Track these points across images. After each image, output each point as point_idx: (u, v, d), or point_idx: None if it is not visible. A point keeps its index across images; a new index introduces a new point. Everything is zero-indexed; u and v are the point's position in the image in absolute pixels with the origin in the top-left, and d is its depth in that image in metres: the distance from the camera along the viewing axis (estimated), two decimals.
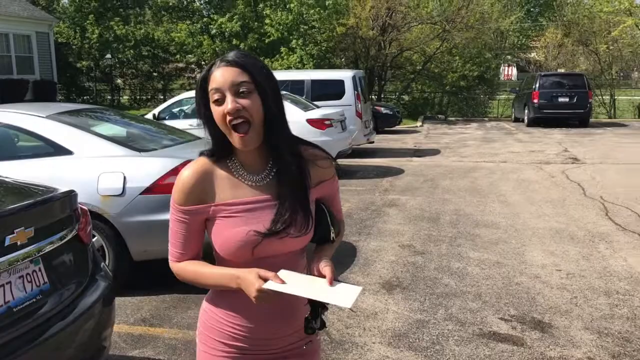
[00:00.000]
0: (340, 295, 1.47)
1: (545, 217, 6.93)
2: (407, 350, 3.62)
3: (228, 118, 1.48)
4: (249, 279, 1.47)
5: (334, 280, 1.51)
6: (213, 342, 1.64)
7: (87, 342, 2.54)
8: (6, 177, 2.86)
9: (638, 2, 22.49)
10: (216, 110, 1.50)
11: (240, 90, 1.48)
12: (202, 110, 1.55)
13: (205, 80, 1.53)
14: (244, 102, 1.48)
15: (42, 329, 2.27)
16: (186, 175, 1.58)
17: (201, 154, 1.61)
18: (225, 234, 1.56)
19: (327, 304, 1.48)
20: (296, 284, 1.47)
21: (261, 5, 24.73)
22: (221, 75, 1.49)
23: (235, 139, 1.51)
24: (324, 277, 1.51)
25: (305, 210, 1.57)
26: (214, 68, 1.52)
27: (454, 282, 4.77)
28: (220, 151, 1.59)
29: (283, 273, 1.50)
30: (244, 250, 1.54)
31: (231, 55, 1.53)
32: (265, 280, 1.45)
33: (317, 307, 1.52)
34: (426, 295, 4.51)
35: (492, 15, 24.43)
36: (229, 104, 1.48)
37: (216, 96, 1.49)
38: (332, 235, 1.64)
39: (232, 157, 1.60)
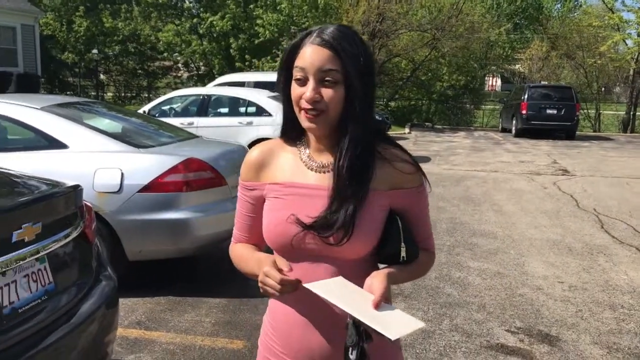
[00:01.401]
0: (386, 322, 1.26)
1: (542, 227, 6.88)
2: None
3: (303, 103, 1.35)
4: (265, 262, 1.36)
5: (386, 304, 1.32)
6: (263, 358, 1.52)
7: (90, 347, 2.38)
8: (9, 169, 2.69)
9: (626, 17, 22.79)
10: (295, 89, 1.37)
11: (326, 78, 1.33)
12: (282, 84, 1.42)
13: (295, 50, 1.37)
14: (325, 92, 1.34)
15: (46, 333, 2.11)
16: (254, 152, 1.51)
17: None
18: (269, 216, 1.44)
19: (372, 330, 1.26)
20: (339, 292, 1.30)
21: (252, 6, 24.58)
22: (310, 56, 1.34)
23: (302, 118, 1.37)
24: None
25: (346, 214, 1.35)
26: (307, 40, 1.36)
27: (456, 292, 4.67)
28: (291, 130, 1.46)
29: (329, 281, 1.36)
30: (283, 239, 1.40)
31: (329, 32, 1.36)
32: (279, 269, 1.32)
33: (358, 333, 1.30)
34: (429, 304, 4.40)
35: (482, 26, 24.56)
36: (309, 91, 1.33)
37: (299, 75, 1.36)
38: (402, 253, 1.41)
39: (302, 138, 1.47)
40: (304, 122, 1.38)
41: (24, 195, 2.35)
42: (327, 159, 1.43)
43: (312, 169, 1.44)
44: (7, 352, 1.92)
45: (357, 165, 1.37)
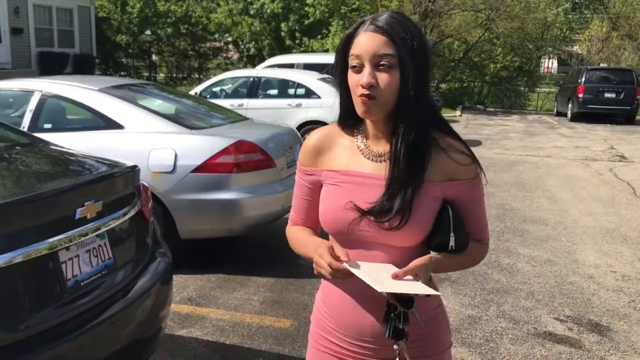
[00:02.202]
0: (385, 282, 1.31)
1: (595, 215, 6.71)
2: (461, 346, 3.52)
3: (360, 89, 1.38)
4: (322, 246, 1.40)
5: (412, 279, 1.35)
6: (315, 333, 1.59)
7: (146, 321, 2.48)
8: (71, 149, 2.82)
9: None
10: (351, 77, 1.40)
11: (381, 63, 1.36)
12: (338, 72, 1.45)
13: (350, 39, 1.41)
14: (381, 76, 1.36)
15: (105, 306, 2.22)
16: (313, 137, 1.55)
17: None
18: (326, 202, 1.49)
19: (408, 313, 1.33)
20: (372, 271, 1.36)
21: None
22: (365, 43, 1.37)
23: (359, 104, 1.40)
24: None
25: (404, 200, 1.38)
26: (361, 29, 1.40)
27: (504, 279, 4.63)
28: (348, 118, 1.50)
29: (374, 265, 1.40)
30: (339, 225, 1.44)
31: (382, 18, 1.38)
32: (336, 257, 1.37)
33: (393, 310, 1.35)
34: (476, 290, 4.38)
35: (538, 6, 23.76)
36: (365, 76, 1.36)
37: (355, 63, 1.39)
38: (451, 242, 1.42)
39: (359, 127, 1.50)
40: (360, 109, 1.40)
41: (87, 174, 2.47)
42: (383, 147, 1.45)
43: (368, 158, 1.47)
44: (70, 322, 2.04)
45: (413, 151, 1.40)
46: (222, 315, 3.87)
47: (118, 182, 2.42)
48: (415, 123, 1.39)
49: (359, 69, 1.38)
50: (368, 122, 1.47)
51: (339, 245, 1.41)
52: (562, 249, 5.42)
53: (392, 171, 1.40)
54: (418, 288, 1.33)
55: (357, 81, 1.38)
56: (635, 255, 5.31)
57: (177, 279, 4.43)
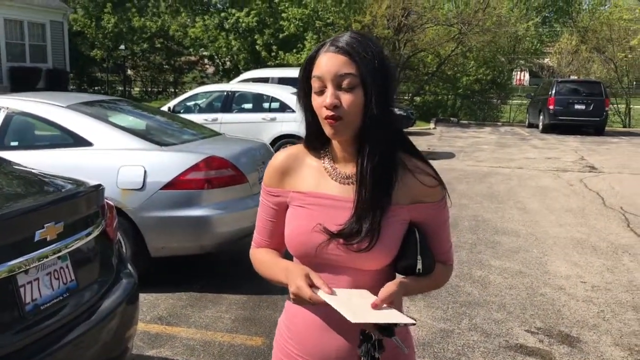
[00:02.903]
0: (361, 312, 1.29)
1: (566, 226, 6.80)
2: None
3: (324, 111, 1.36)
4: (295, 272, 1.37)
5: (389, 307, 1.33)
6: (277, 358, 1.55)
7: (111, 342, 2.44)
8: (33, 169, 2.77)
9: None
10: (315, 99, 1.39)
11: (343, 82, 1.34)
12: (302, 95, 1.44)
13: (312, 61, 1.39)
14: (344, 97, 1.35)
15: (68, 329, 2.18)
16: (279, 157, 1.52)
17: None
18: (293, 224, 1.46)
19: (384, 341, 1.33)
20: (346, 299, 1.33)
21: (277, 0, 24.64)
22: (325, 64, 1.36)
23: (326, 126, 1.39)
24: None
25: (373, 221, 1.37)
26: (322, 50, 1.38)
27: (476, 291, 4.65)
28: (314, 141, 1.47)
29: (348, 291, 1.38)
30: (307, 247, 1.42)
31: (343, 39, 1.37)
32: (311, 284, 1.34)
33: (368, 340, 1.34)
34: (449, 303, 4.40)
35: (509, 20, 24.19)
36: (328, 97, 1.35)
37: (317, 85, 1.37)
38: (419, 265, 1.42)
39: (326, 148, 1.48)
40: (329, 131, 1.38)
41: (47, 195, 2.42)
42: (351, 169, 1.44)
43: (336, 180, 1.45)
44: (30, 347, 1.99)
45: (379, 172, 1.38)
46: (192, 334, 3.82)
47: (81, 203, 2.39)
48: (379, 142, 1.38)
49: (321, 91, 1.37)
50: (335, 144, 1.45)
51: (315, 275, 1.37)
52: (533, 260, 5.47)
53: (360, 192, 1.39)
54: (394, 317, 1.32)
55: (320, 103, 1.36)
56: (604, 265, 5.38)
57: (148, 298, 4.37)
